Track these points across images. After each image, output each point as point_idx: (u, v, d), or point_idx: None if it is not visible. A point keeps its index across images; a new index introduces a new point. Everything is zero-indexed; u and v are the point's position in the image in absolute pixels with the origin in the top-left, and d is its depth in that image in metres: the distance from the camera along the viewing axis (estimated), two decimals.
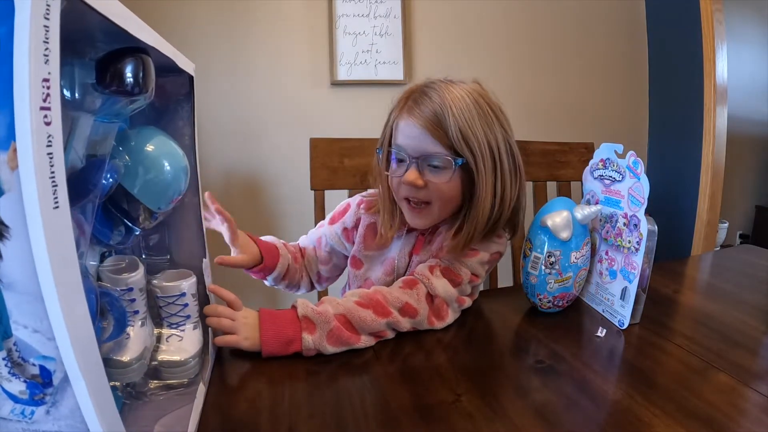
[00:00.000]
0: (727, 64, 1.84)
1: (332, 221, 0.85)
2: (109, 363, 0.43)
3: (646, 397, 0.51)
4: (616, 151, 0.73)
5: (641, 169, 0.67)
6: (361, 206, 0.81)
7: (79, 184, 0.37)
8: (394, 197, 0.73)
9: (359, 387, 0.54)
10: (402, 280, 0.70)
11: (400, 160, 0.68)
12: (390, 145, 0.71)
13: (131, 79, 0.38)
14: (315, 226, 0.90)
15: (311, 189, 1.06)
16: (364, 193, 0.84)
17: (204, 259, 0.58)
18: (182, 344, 0.52)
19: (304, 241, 0.88)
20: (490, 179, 0.66)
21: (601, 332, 0.67)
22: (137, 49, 0.39)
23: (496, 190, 0.67)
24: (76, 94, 0.36)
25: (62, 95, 0.34)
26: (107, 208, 0.44)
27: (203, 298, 0.58)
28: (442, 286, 0.68)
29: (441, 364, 0.59)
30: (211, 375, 0.56)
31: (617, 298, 0.70)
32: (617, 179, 0.72)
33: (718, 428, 0.46)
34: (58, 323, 0.27)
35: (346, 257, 0.84)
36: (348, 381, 0.56)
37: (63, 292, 0.26)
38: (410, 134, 0.66)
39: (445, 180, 0.66)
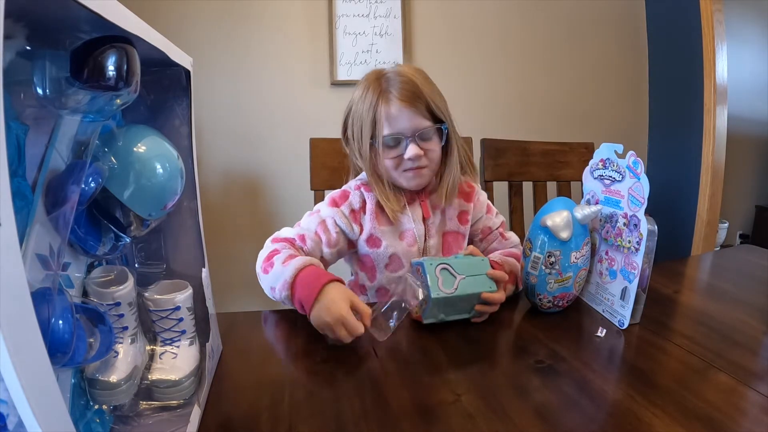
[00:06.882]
0: (727, 64, 1.84)
1: (335, 204, 0.83)
2: (95, 384, 0.41)
3: (646, 397, 0.51)
4: (616, 151, 0.73)
5: (641, 169, 0.67)
6: (361, 188, 0.84)
7: (59, 189, 0.34)
8: (382, 176, 0.81)
9: (359, 387, 0.54)
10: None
11: (392, 144, 0.77)
12: (372, 136, 0.78)
13: (113, 72, 0.34)
14: None
15: (311, 189, 1.06)
16: (351, 183, 0.87)
17: (204, 270, 0.53)
18: (177, 362, 0.48)
19: (289, 232, 0.80)
20: (454, 131, 0.82)
21: (601, 332, 0.67)
22: (119, 38, 0.35)
23: (457, 136, 0.83)
24: (57, 90, 0.33)
25: (37, 91, 0.32)
26: (94, 215, 0.41)
27: (201, 312, 0.54)
28: (512, 235, 0.91)
29: (441, 364, 0.59)
30: (209, 394, 0.52)
31: (617, 298, 0.70)
32: (617, 179, 0.72)
33: (718, 428, 0.46)
34: (5, 363, 0.22)
35: (349, 241, 0.84)
36: (348, 381, 0.56)
37: (8, 325, 0.22)
38: (400, 118, 0.76)
39: (436, 145, 0.80)
